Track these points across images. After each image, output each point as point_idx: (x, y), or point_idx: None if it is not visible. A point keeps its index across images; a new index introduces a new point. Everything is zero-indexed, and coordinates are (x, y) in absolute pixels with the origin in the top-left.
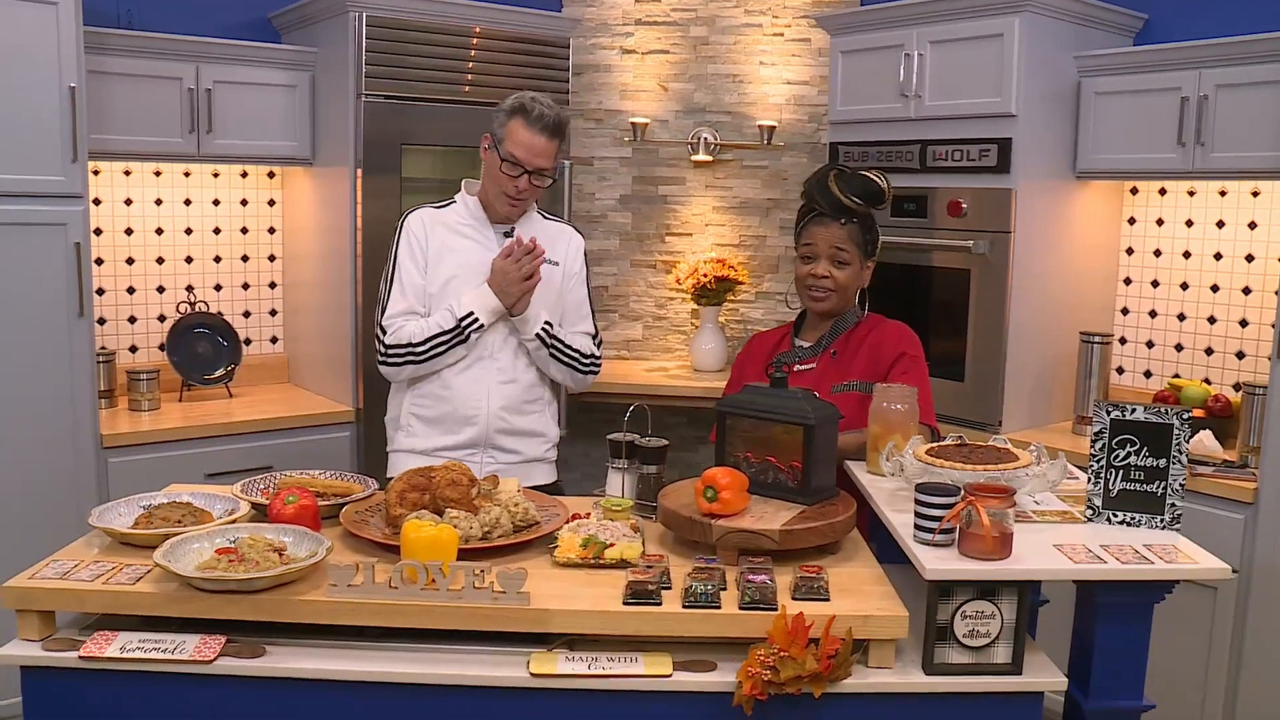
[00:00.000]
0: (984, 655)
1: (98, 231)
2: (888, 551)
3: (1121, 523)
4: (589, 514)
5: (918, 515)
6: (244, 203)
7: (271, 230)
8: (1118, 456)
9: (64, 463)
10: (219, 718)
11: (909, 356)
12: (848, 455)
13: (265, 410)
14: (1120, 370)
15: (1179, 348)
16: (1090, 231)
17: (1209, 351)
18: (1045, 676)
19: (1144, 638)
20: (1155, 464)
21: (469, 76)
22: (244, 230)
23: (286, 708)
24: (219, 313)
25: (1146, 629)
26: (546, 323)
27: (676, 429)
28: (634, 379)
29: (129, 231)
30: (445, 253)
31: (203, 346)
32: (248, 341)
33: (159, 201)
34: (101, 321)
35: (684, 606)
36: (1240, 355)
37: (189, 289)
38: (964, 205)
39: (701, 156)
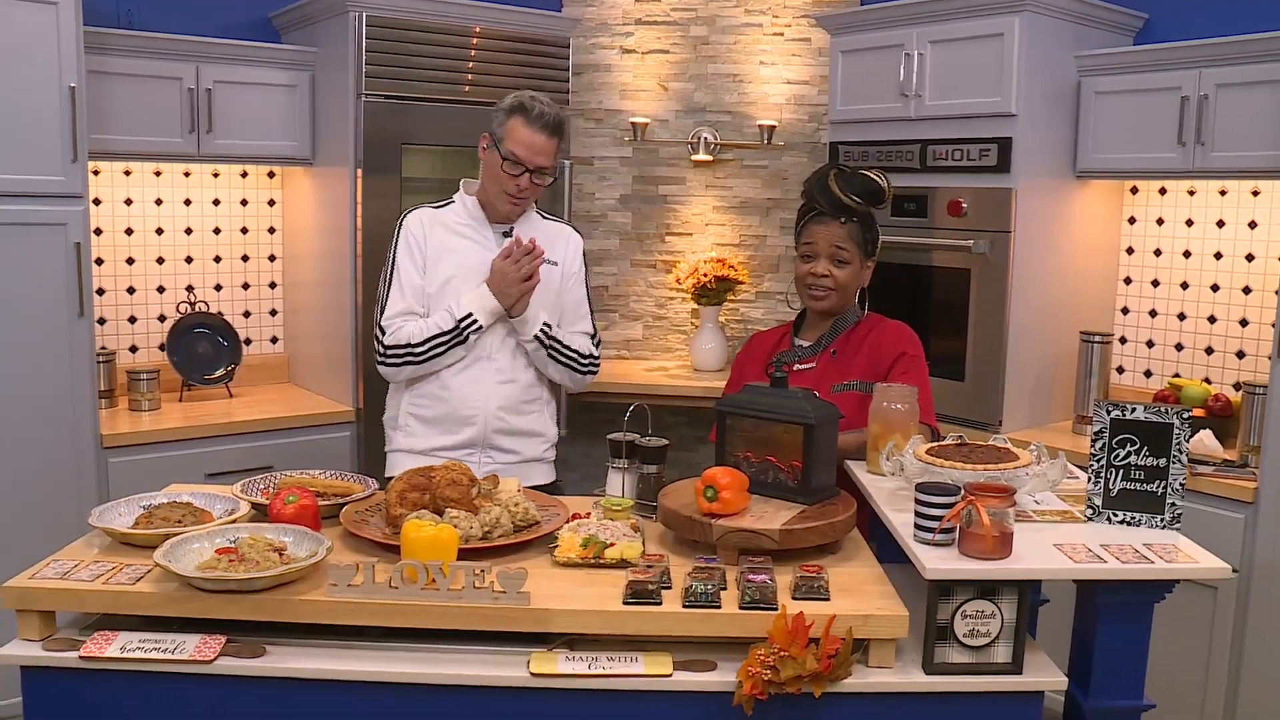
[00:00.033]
0: (984, 655)
1: (98, 231)
2: (888, 551)
3: (1122, 522)
4: (589, 514)
5: (918, 515)
6: (244, 203)
7: (271, 230)
8: (1118, 456)
9: (64, 463)
10: (219, 718)
11: (909, 356)
12: (848, 455)
13: (265, 410)
14: (1120, 370)
15: (1179, 347)
16: (1090, 231)
17: (1209, 351)
18: (1045, 676)
19: (1144, 637)
20: (1155, 463)
21: (469, 76)
22: (244, 230)
23: (286, 708)
24: (219, 313)
25: (1146, 629)
26: (545, 324)
27: (676, 429)
28: (634, 379)
29: (129, 231)
30: (444, 253)
31: (203, 346)
32: (248, 341)
33: (159, 201)
34: (102, 321)
35: (684, 606)
36: (1240, 355)
37: (189, 289)
38: (964, 205)
39: (701, 156)
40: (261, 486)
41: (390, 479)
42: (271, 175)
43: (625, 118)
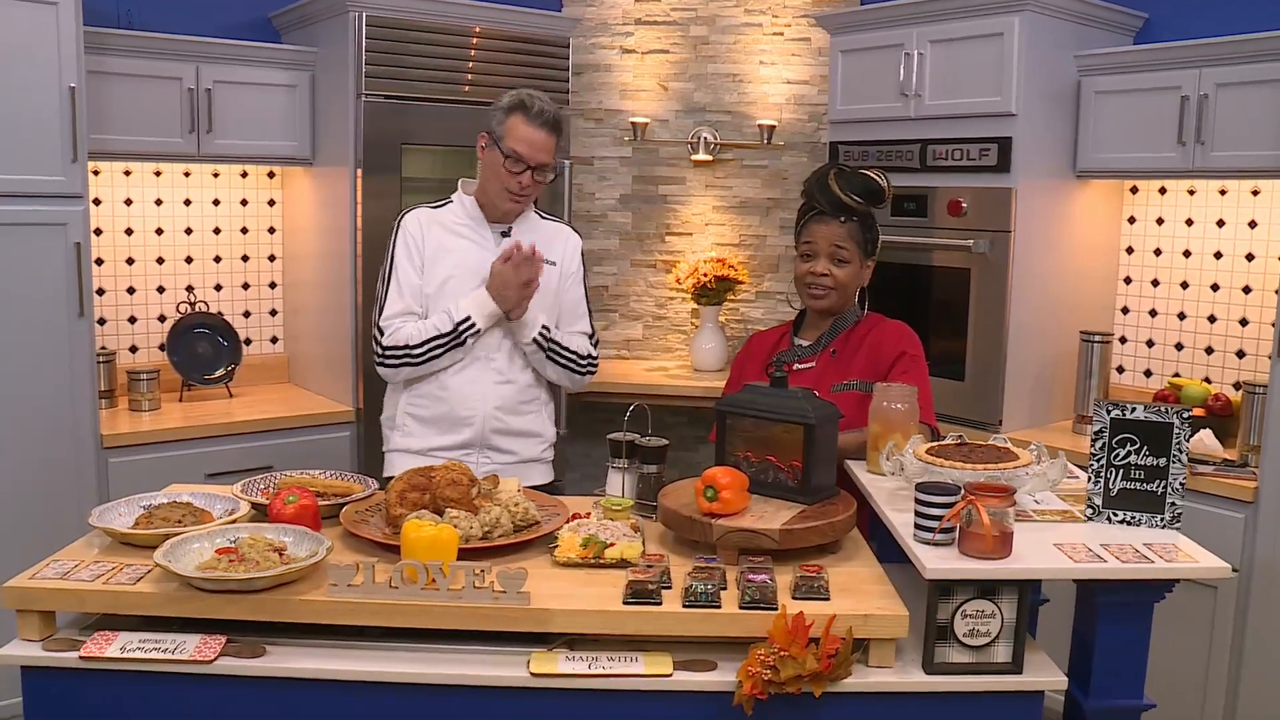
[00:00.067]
0: (984, 654)
1: (98, 231)
2: (888, 551)
3: (1122, 522)
4: (589, 514)
5: (918, 514)
6: (244, 203)
7: (271, 230)
8: (1118, 455)
9: (64, 463)
10: (219, 718)
11: (909, 356)
12: (848, 454)
13: (265, 410)
14: (1120, 369)
15: (1179, 347)
16: (1090, 231)
17: (1209, 350)
18: (1045, 676)
19: (1144, 637)
20: (1155, 463)
21: (469, 76)
22: (244, 230)
23: (286, 708)
24: (219, 313)
25: (1147, 628)
26: (544, 327)
27: (676, 429)
28: (634, 379)
29: (129, 231)
30: (442, 253)
31: (203, 346)
32: (248, 341)
33: (159, 201)
34: (102, 321)
35: (684, 606)
36: (1240, 354)
37: (189, 289)
38: (964, 204)
39: (701, 156)
40: (261, 486)
41: (388, 479)
42: (271, 175)
43: (625, 118)
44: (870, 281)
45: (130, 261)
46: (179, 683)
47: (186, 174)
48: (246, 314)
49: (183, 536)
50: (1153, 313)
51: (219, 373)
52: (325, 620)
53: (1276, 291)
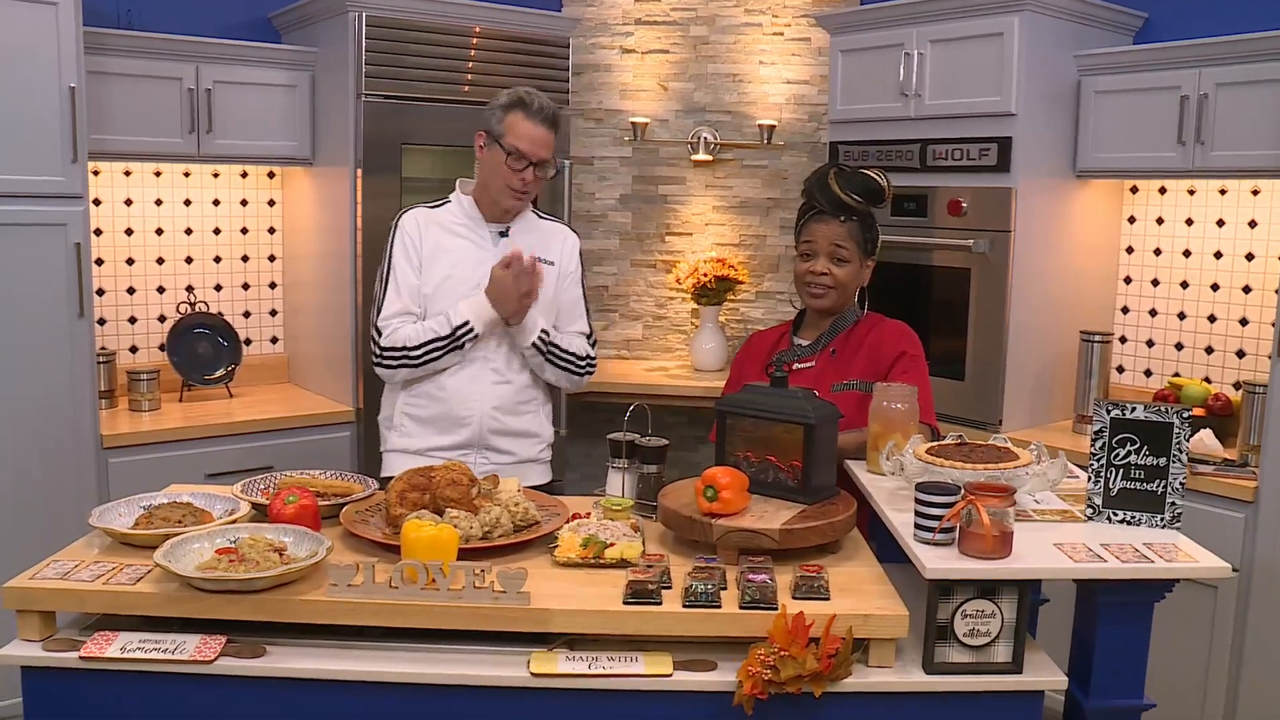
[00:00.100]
0: (984, 654)
1: (98, 232)
2: (888, 551)
3: (1122, 521)
4: (589, 514)
5: (918, 514)
6: (244, 203)
7: (271, 230)
8: (1118, 455)
9: (64, 463)
10: (219, 718)
11: (909, 355)
12: (848, 454)
13: (265, 410)
14: (1120, 369)
15: (1179, 346)
16: (1090, 230)
17: (1209, 350)
18: (1045, 675)
19: (1144, 637)
20: (1155, 463)
21: (469, 76)
22: (244, 230)
23: (286, 708)
24: (219, 313)
25: (1147, 628)
26: (544, 330)
27: (676, 429)
28: (634, 379)
29: (129, 232)
30: (439, 252)
31: (203, 347)
32: (248, 341)
33: (159, 202)
34: (102, 322)
35: (684, 606)
36: (1240, 354)
37: (189, 289)
38: (964, 204)
39: (701, 156)
40: (261, 487)
41: (386, 479)
42: (271, 175)
43: (625, 117)
44: (870, 281)
45: (130, 262)
46: (179, 683)
47: (186, 174)
48: (246, 314)
49: (183, 537)
50: (1153, 312)
51: (219, 373)
52: (325, 620)
53: (1276, 291)
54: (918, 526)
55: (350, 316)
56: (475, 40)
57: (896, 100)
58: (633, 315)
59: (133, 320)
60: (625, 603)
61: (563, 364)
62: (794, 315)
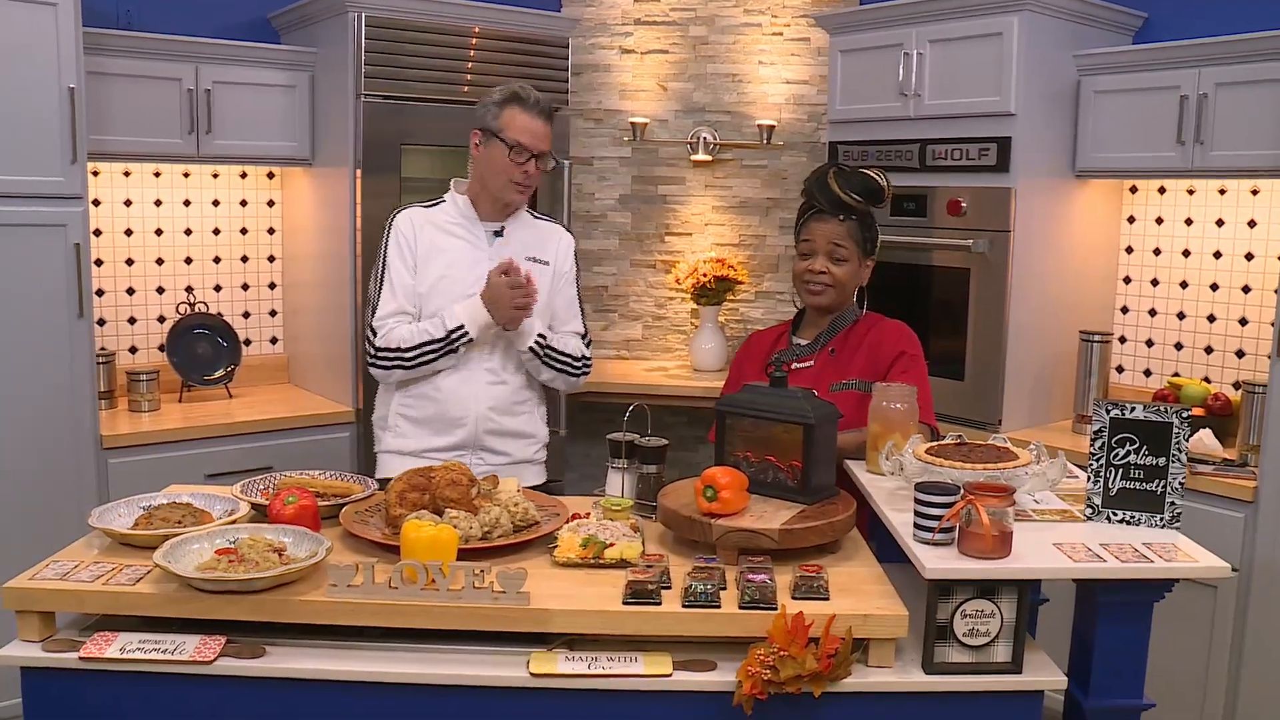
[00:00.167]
0: (984, 654)
1: (97, 232)
2: (887, 551)
3: (1121, 521)
4: (589, 514)
5: (917, 514)
6: (243, 203)
7: (271, 231)
8: (1117, 455)
9: (64, 463)
10: (219, 718)
11: (908, 355)
12: (847, 454)
13: (265, 410)
14: (1120, 369)
15: (1179, 346)
16: (1090, 230)
17: (1209, 350)
18: (1045, 675)
19: (1144, 637)
20: (1155, 463)
21: (468, 76)
22: (243, 231)
23: (286, 708)
24: (219, 313)
25: (1146, 628)
26: (540, 335)
27: (676, 429)
28: (634, 379)
29: (128, 232)
30: (434, 252)
31: (202, 347)
32: (247, 342)
33: (158, 202)
34: (101, 322)
35: (684, 606)
36: (1240, 354)
37: (188, 290)
38: (963, 204)
39: (701, 156)
40: (261, 487)
41: (382, 480)
42: (271, 176)
43: (624, 118)
44: (870, 281)
45: (130, 262)
46: (179, 683)
47: (186, 175)
48: (246, 314)
49: (182, 537)
50: (1152, 312)
51: (219, 373)
52: (325, 620)
53: (1276, 291)
54: (917, 526)
55: (350, 317)
56: (474, 40)
57: (896, 100)
58: (632, 315)
59: (132, 321)
60: (625, 603)
61: (559, 365)
62: (793, 315)
